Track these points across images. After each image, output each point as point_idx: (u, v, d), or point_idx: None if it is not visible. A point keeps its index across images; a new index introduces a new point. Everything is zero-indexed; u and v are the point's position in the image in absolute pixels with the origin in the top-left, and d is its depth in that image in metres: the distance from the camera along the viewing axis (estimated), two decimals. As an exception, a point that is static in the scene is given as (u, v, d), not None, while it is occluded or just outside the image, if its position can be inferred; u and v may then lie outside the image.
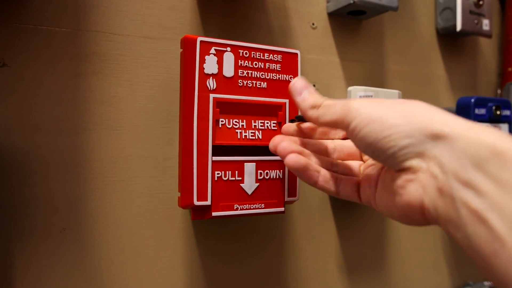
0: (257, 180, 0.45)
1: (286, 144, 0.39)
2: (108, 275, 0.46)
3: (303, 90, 0.39)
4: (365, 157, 0.41)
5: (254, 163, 0.45)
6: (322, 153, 0.41)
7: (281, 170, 0.46)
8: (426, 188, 0.29)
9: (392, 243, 0.67)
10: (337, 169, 0.39)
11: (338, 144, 0.42)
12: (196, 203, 0.42)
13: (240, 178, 0.44)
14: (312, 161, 0.39)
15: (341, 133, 0.43)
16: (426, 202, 0.29)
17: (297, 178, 0.47)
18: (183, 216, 0.50)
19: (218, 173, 0.43)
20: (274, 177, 0.46)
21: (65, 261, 0.44)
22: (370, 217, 0.65)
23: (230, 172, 0.43)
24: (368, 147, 0.31)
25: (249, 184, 0.44)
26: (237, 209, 0.44)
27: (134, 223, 0.47)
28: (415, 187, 0.30)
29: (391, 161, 0.31)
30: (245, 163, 0.44)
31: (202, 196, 0.42)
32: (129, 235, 0.47)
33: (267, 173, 0.45)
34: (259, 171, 0.45)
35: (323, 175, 0.38)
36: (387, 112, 0.30)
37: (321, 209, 0.60)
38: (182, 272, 0.50)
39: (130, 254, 0.47)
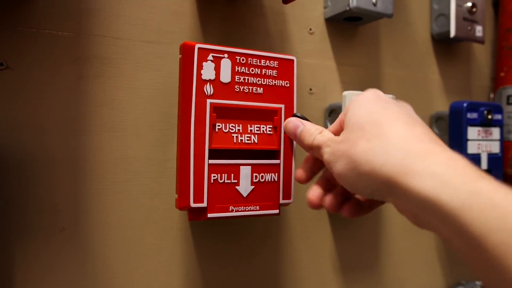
0: (252, 183, 0.46)
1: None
2: (106, 274, 0.47)
3: (296, 132, 0.43)
4: None
5: (250, 167, 0.46)
6: None
7: (276, 173, 0.47)
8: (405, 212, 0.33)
9: (386, 243, 0.68)
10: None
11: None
12: (193, 205, 0.43)
13: (236, 181, 0.45)
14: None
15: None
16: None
17: (292, 181, 0.48)
18: (181, 216, 0.51)
19: (214, 176, 0.44)
20: (270, 180, 0.47)
21: (65, 260, 0.45)
22: (365, 217, 0.66)
23: (226, 175, 0.45)
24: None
25: (245, 187, 0.46)
26: (232, 210, 0.45)
27: (134, 223, 0.48)
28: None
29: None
30: (241, 166, 0.45)
31: (198, 198, 0.43)
32: (129, 235, 0.48)
33: (262, 176, 0.46)
34: (254, 174, 0.46)
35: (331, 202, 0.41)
36: (346, 171, 0.34)
37: (316, 210, 0.61)
38: (179, 271, 0.51)
39: (129, 253, 0.48)
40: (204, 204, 0.43)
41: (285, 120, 0.47)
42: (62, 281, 0.45)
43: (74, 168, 0.46)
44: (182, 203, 0.44)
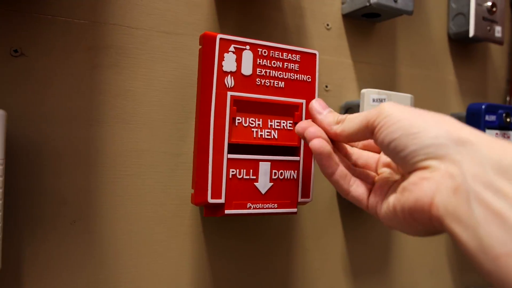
0: (271, 180, 0.45)
1: (314, 129, 0.39)
2: (115, 269, 0.46)
3: (324, 110, 0.40)
4: (380, 170, 0.40)
5: (269, 163, 0.44)
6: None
7: (296, 171, 0.46)
8: (440, 186, 0.29)
9: (396, 247, 0.67)
10: (354, 172, 0.39)
11: (356, 152, 0.42)
12: (210, 200, 0.42)
13: (255, 177, 0.44)
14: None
15: (360, 144, 0.43)
16: (437, 200, 0.29)
17: (311, 179, 0.47)
18: (193, 212, 0.50)
19: (233, 171, 0.43)
20: (289, 177, 0.46)
21: (75, 253, 0.44)
22: (377, 220, 0.65)
23: (244, 170, 0.43)
24: (392, 141, 0.32)
25: (263, 184, 0.44)
26: (250, 207, 0.43)
27: (144, 217, 0.47)
28: (428, 185, 0.30)
29: (410, 158, 0.31)
30: (260, 162, 0.44)
31: (216, 194, 0.42)
32: (138, 229, 0.47)
33: (281, 173, 0.45)
34: (273, 171, 0.45)
35: (341, 170, 0.38)
36: (417, 114, 0.32)
37: (329, 211, 0.60)
38: (189, 268, 0.50)
39: (138, 248, 0.47)
40: (222, 200, 0.42)
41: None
42: (72, 274, 0.44)
43: (86, 159, 0.44)
44: (198, 198, 0.43)
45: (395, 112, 0.33)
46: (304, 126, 0.40)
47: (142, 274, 0.47)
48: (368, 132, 0.35)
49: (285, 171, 0.45)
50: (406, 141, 0.31)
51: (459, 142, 0.29)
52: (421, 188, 0.30)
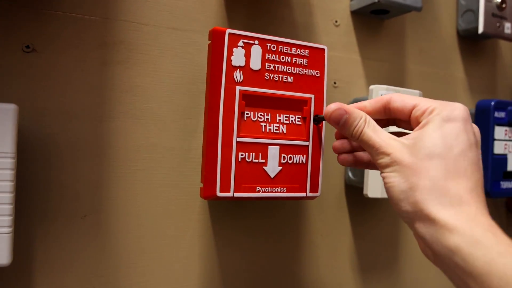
0: (280, 164, 0.45)
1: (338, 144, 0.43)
2: (125, 262, 0.46)
3: (340, 120, 0.39)
4: None
5: (278, 147, 0.45)
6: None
7: (305, 155, 0.46)
8: (425, 248, 0.34)
9: (405, 243, 0.67)
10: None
11: None
12: (219, 194, 0.42)
13: (264, 161, 0.44)
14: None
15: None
16: (429, 256, 0.35)
17: (320, 174, 0.47)
18: (202, 207, 0.50)
19: (242, 154, 0.43)
20: (298, 161, 0.46)
21: (85, 247, 0.44)
22: (385, 216, 0.65)
23: (253, 154, 0.44)
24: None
25: (272, 167, 0.44)
26: (259, 191, 0.44)
27: (154, 212, 0.47)
28: (420, 244, 0.35)
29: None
30: (269, 146, 0.44)
31: (225, 187, 0.42)
32: (148, 224, 0.47)
33: (290, 157, 0.45)
34: (282, 155, 0.45)
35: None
36: (399, 182, 0.34)
37: (337, 207, 0.60)
38: (198, 262, 0.50)
39: (148, 242, 0.47)
40: (231, 194, 0.42)
41: (325, 109, 0.44)
42: (82, 267, 0.44)
43: (97, 154, 0.45)
44: (207, 192, 0.43)
45: (389, 175, 0.35)
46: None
47: (151, 268, 0.48)
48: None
49: (294, 155, 0.46)
50: (392, 204, 0.35)
51: (418, 225, 0.33)
52: (419, 243, 0.36)
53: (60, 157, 0.43)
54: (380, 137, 0.36)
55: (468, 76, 0.74)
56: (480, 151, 0.35)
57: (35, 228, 0.42)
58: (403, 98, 0.38)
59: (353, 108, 0.39)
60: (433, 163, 0.33)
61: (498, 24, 0.69)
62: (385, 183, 0.35)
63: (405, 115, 0.37)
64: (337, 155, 0.43)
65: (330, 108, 0.39)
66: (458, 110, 0.35)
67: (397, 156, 0.34)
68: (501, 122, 0.65)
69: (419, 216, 0.32)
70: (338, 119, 0.39)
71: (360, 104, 0.40)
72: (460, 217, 0.31)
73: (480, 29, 0.68)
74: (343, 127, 0.38)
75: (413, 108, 0.36)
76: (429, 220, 0.31)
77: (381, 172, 0.35)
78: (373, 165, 0.42)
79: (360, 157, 0.42)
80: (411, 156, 0.34)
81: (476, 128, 0.36)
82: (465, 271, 0.29)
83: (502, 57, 0.80)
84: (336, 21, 0.60)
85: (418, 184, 0.32)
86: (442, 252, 0.31)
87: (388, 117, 0.40)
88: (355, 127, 0.37)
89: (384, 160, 0.35)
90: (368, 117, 0.38)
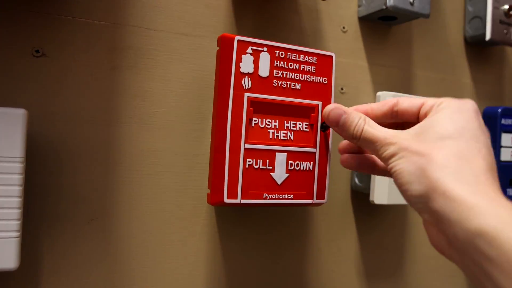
0: (287, 171, 0.45)
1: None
2: (131, 268, 0.46)
3: (339, 120, 0.39)
4: None
5: (286, 153, 0.45)
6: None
7: (312, 162, 0.46)
8: (439, 237, 0.32)
9: (411, 250, 0.67)
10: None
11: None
12: (226, 200, 0.42)
13: (271, 168, 0.44)
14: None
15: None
16: (442, 248, 0.32)
17: (327, 182, 0.47)
18: (208, 213, 0.50)
19: (249, 161, 0.43)
20: (305, 168, 0.46)
21: (91, 252, 0.45)
22: (391, 223, 0.65)
23: (261, 160, 0.44)
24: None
25: (279, 174, 0.45)
26: (266, 197, 0.44)
27: (160, 217, 0.48)
28: (431, 233, 0.32)
29: (411, 205, 0.33)
30: (276, 153, 0.44)
31: (232, 194, 0.42)
32: (154, 229, 0.47)
33: (297, 164, 0.46)
34: (289, 162, 0.45)
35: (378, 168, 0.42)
36: (407, 166, 0.32)
37: (344, 213, 0.60)
38: (204, 268, 0.50)
39: (154, 248, 0.47)
40: (238, 200, 0.42)
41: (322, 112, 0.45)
42: (88, 272, 0.45)
43: (104, 158, 0.45)
44: (214, 198, 0.43)
45: (396, 163, 0.33)
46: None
47: (157, 274, 0.48)
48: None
49: (301, 162, 0.46)
50: (402, 193, 0.33)
51: (434, 207, 0.30)
52: (429, 233, 0.33)
53: (68, 162, 0.43)
54: (382, 131, 0.35)
55: (475, 83, 0.74)
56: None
57: (42, 233, 0.43)
58: (410, 99, 0.37)
59: (351, 110, 0.39)
60: (445, 143, 0.31)
61: (505, 31, 0.69)
62: (392, 173, 0.33)
63: (413, 115, 0.36)
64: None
65: (327, 108, 0.40)
66: (469, 104, 0.34)
67: (404, 144, 0.33)
68: (508, 129, 0.65)
69: (433, 196, 0.29)
70: (337, 119, 0.39)
71: (365, 106, 0.40)
72: (480, 196, 0.28)
73: (488, 36, 0.68)
74: (343, 127, 0.38)
75: (421, 106, 0.36)
76: (446, 197, 0.29)
77: (388, 164, 0.34)
78: (378, 169, 0.42)
79: (364, 158, 0.42)
80: (420, 142, 0.32)
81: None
82: (488, 257, 0.26)
83: (509, 64, 0.80)
84: (344, 27, 0.60)
85: (431, 163, 0.30)
86: (461, 235, 0.27)
87: (394, 121, 0.39)
88: (355, 126, 0.37)
89: (389, 151, 0.34)
90: (367, 117, 0.38)
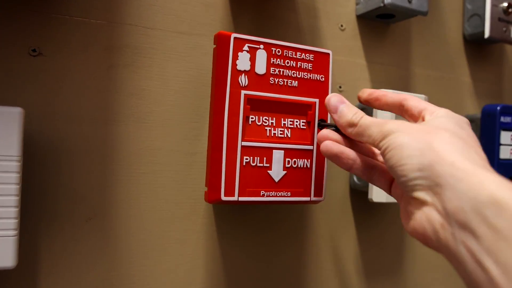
0: (284, 168, 0.45)
1: (324, 131, 0.41)
2: (129, 266, 0.46)
3: (338, 106, 0.40)
4: None
5: (283, 151, 0.45)
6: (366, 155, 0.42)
7: (309, 160, 0.46)
8: (430, 220, 0.30)
9: (410, 249, 0.66)
10: (376, 164, 0.40)
11: None
12: (224, 198, 0.42)
13: (268, 165, 0.44)
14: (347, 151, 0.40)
15: None
16: (429, 233, 0.30)
17: (324, 179, 0.47)
18: (207, 211, 0.50)
19: (246, 158, 0.43)
20: (302, 166, 0.46)
21: (89, 251, 0.44)
22: (390, 221, 0.64)
23: (258, 158, 0.44)
24: (389, 169, 0.33)
25: (277, 171, 0.45)
26: (263, 195, 0.44)
27: (158, 216, 0.48)
28: (420, 216, 0.31)
29: (403, 187, 0.32)
30: (273, 150, 0.44)
31: (229, 191, 0.42)
32: (152, 227, 0.47)
33: (295, 161, 0.46)
34: (287, 159, 0.45)
35: (358, 165, 0.39)
36: (410, 140, 0.32)
37: (342, 211, 0.60)
38: (202, 266, 0.50)
39: (152, 246, 0.47)
40: (235, 198, 0.42)
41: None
42: (87, 271, 0.44)
43: (101, 157, 0.45)
44: (212, 196, 0.43)
45: (393, 139, 0.33)
46: (320, 135, 0.42)
47: (156, 272, 0.48)
48: (376, 147, 0.37)
49: (298, 159, 0.46)
50: (396, 172, 0.32)
51: (439, 178, 0.29)
52: (415, 218, 0.32)
53: (66, 160, 0.43)
54: (381, 118, 0.37)
55: (474, 81, 0.74)
56: None
57: (40, 231, 0.43)
58: (417, 99, 0.39)
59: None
60: (447, 130, 0.32)
61: (504, 29, 0.69)
62: (390, 149, 0.32)
63: (414, 115, 0.38)
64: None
65: (330, 95, 0.41)
66: (465, 119, 0.35)
67: (405, 124, 0.33)
68: (507, 127, 0.65)
69: (439, 167, 0.29)
70: (336, 106, 0.40)
71: (381, 91, 0.41)
72: (489, 171, 0.28)
73: (487, 34, 0.67)
74: (341, 114, 0.39)
75: (424, 109, 0.37)
76: (455, 167, 0.28)
77: (384, 143, 0.34)
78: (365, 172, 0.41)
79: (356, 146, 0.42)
80: (422, 125, 0.33)
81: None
82: (496, 228, 0.25)
83: (509, 62, 0.80)
84: (341, 25, 0.60)
85: (437, 138, 0.30)
86: (468, 206, 0.26)
87: (398, 114, 0.41)
88: (354, 114, 0.38)
89: (388, 127, 0.34)
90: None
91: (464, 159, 0.29)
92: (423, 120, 0.36)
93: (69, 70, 0.43)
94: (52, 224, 0.43)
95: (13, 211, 0.37)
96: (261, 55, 0.44)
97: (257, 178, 0.44)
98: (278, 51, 0.45)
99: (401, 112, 0.40)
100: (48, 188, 0.43)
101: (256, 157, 0.44)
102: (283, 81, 0.45)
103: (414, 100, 0.39)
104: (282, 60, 0.45)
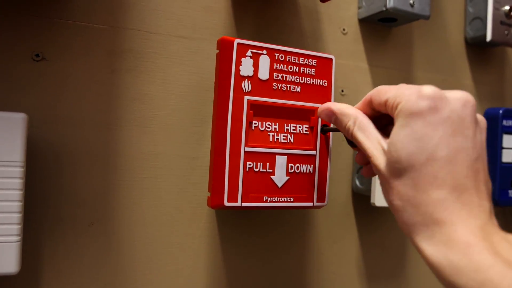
0: (287, 173, 0.45)
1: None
2: (131, 271, 0.46)
3: (330, 119, 0.40)
4: None
5: (286, 156, 0.45)
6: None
7: (312, 165, 0.46)
8: None
9: (413, 251, 0.66)
10: None
11: None
12: (227, 204, 0.42)
13: (271, 170, 0.44)
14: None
15: None
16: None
17: (327, 183, 0.47)
18: (209, 216, 0.50)
19: (249, 164, 0.43)
20: (305, 171, 0.46)
21: (92, 255, 0.44)
22: (392, 225, 0.64)
23: (261, 163, 0.44)
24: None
25: (280, 177, 0.45)
26: (266, 200, 0.44)
27: (160, 220, 0.48)
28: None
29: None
30: (276, 156, 0.44)
31: (232, 197, 0.42)
32: (154, 232, 0.47)
33: (298, 167, 0.46)
34: (290, 165, 0.45)
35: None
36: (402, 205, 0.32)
37: (345, 215, 0.60)
38: (205, 271, 0.50)
39: (154, 251, 0.47)
40: (238, 203, 0.42)
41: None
42: (89, 276, 0.44)
43: (104, 162, 0.45)
44: (215, 201, 0.43)
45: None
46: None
47: (158, 277, 0.48)
48: None
49: (301, 165, 0.46)
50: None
51: (434, 224, 0.30)
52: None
53: (68, 165, 0.43)
54: (370, 136, 0.35)
55: (476, 84, 0.74)
56: (485, 141, 0.33)
57: (43, 236, 0.43)
58: (379, 92, 0.35)
59: (342, 109, 0.38)
60: (402, 181, 0.31)
61: (506, 32, 0.69)
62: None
63: (385, 111, 0.34)
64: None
65: (320, 108, 0.41)
66: (425, 100, 0.31)
67: (381, 167, 0.33)
68: (509, 131, 0.65)
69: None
70: (329, 119, 0.40)
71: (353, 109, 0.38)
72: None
73: (488, 37, 0.67)
74: (337, 126, 0.39)
75: (385, 105, 0.34)
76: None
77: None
78: None
79: None
80: (386, 168, 0.32)
81: (479, 116, 0.33)
82: None
83: (510, 65, 0.79)
84: (344, 29, 0.60)
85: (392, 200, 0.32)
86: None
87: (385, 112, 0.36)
88: (345, 128, 0.37)
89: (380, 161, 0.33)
90: (359, 117, 0.36)
91: (443, 207, 0.30)
92: (393, 115, 0.33)
93: (71, 74, 0.43)
94: (55, 229, 0.43)
95: (16, 217, 0.37)
96: (264, 61, 0.44)
97: (260, 183, 0.44)
98: (281, 57, 0.45)
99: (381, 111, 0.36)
100: (51, 193, 0.43)
101: (259, 163, 0.44)
102: (286, 87, 0.45)
103: (376, 100, 0.35)
104: (285, 65, 0.45)
